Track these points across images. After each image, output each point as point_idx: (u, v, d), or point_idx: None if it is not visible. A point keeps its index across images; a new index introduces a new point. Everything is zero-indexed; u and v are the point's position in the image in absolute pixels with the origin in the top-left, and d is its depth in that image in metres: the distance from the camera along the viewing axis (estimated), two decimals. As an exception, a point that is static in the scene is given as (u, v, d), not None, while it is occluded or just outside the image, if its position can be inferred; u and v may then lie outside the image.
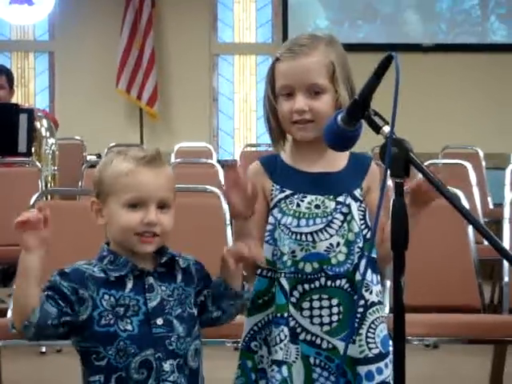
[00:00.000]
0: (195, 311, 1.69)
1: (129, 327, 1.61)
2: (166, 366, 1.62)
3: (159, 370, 1.62)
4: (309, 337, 1.76)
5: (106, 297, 1.62)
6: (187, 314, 1.67)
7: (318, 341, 1.76)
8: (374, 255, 1.79)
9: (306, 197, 1.78)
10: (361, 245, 1.77)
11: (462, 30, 7.51)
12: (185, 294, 1.68)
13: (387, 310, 3.03)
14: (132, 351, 1.61)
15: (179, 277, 1.69)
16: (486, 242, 3.93)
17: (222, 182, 4.72)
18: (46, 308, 1.57)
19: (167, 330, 1.63)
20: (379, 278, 1.83)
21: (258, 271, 1.80)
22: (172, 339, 1.63)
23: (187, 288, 1.69)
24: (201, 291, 1.72)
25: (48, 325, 1.58)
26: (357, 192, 1.80)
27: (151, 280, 1.65)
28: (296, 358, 1.76)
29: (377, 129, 1.49)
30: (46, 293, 1.59)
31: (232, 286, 1.69)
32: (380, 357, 1.77)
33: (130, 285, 1.64)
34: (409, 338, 2.61)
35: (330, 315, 1.76)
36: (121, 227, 1.65)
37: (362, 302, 1.76)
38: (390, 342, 1.81)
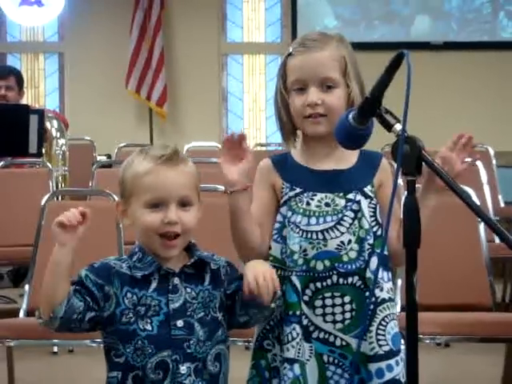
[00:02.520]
0: (219, 315, 1.68)
1: (148, 327, 1.61)
2: (183, 368, 1.62)
3: (175, 372, 1.61)
4: (322, 335, 1.76)
5: (129, 295, 1.62)
6: (210, 317, 1.66)
7: (332, 338, 1.76)
8: (384, 252, 1.78)
9: (315, 195, 1.78)
10: (371, 242, 1.77)
11: (473, 28, 7.49)
12: (210, 297, 1.67)
13: (398, 308, 3.02)
14: (149, 351, 1.61)
15: (207, 279, 1.68)
16: (497, 240, 3.92)
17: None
18: (73, 302, 1.58)
19: (187, 333, 1.63)
20: (390, 275, 1.82)
21: None
22: (191, 342, 1.63)
23: (214, 291, 1.68)
24: (232, 294, 1.69)
25: (73, 319, 1.59)
26: (367, 189, 1.80)
27: (176, 281, 1.65)
28: (310, 357, 1.75)
29: (388, 127, 1.49)
30: (74, 287, 1.60)
31: (258, 299, 1.65)
32: (391, 354, 1.76)
33: (154, 284, 1.64)
34: (420, 336, 2.60)
35: (343, 312, 1.76)
36: (143, 228, 1.65)
37: (372, 299, 1.75)
38: (403, 341, 1.80)
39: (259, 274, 1.61)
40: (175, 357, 1.62)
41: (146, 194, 1.63)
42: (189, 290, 1.65)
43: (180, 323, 1.63)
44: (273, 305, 1.67)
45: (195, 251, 1.69)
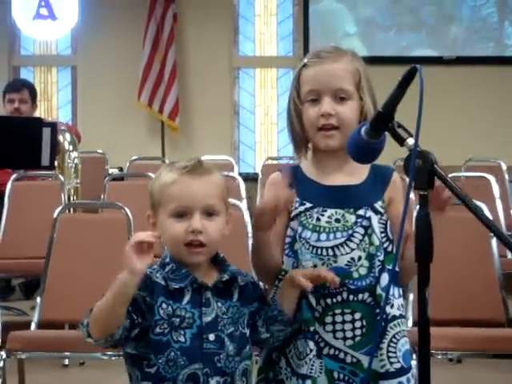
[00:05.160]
0: (247, 331, 1.70)
1: (181, 339, 1.62)
2: (213, 382, 1.63)
3: None
4: (332, 351, 1.75)
5: (164, 306, 1.63)
6: (239, 333, 1.68)
7: (342, 355, 1.75)
8: (395, 268, 1.77)
9: (325, 211, 1.77)
10: (381, 258, 1.76)
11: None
12: (239, 313, 1.69)
13: (410, 323, 3.01)
14: (181, 363, 1.62)
15: (236, 295, 1.70)
16: (510, 255, 3.89)
17: (244, 196, 4.73)
18: (124, 322, 1.57)
19: (217, 347, 1.64)
20: (401, 291, 1.81)
21: (280, 284, 1.80)
22: (221, 356, 1.64)
23: (242, 308, 1.70)
24: (255, 313, 1.72)
25: (123, 338, 1.58)
26: (378, 204, 1.79)
27: (209, 295, 1.66)
28: (320, 373, 1.74)
29: (401, 141, 1.49)
30: None
31: (287, 313, 1.70)
32: (402, 371, 1.75)
33: (187, 297, 1.65)
34: (432, 351, 2.58)
35: (353, 329, 1.75)
36: (169, 238, 1.67)
37: (383, 316, 1.74)
38: (414, 356, 1.79)
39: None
40: (206, 370, 1.63)
41: (171, 204, 1.66)
42: (220, 304, 1.67)
43: (212, 337, 1.64)
44: (296, 325, 1.72)
45: (227, 266, 1.71)
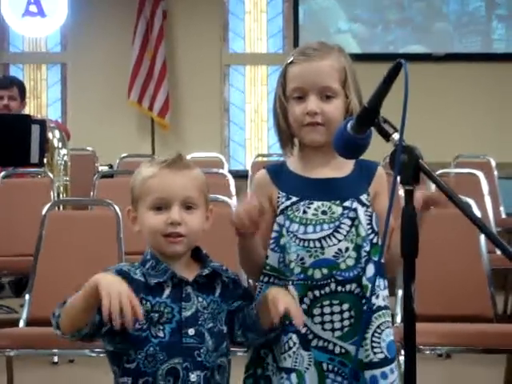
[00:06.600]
0: (225, 328, 1.71)
1: (160, 334, 1.63)
2: (193, 376, 1.64)
3: (185, 380, 1.63)
4: (321, 343, 1.76)
5: (143, 301, 1.63)
6: (217, 329, 1.69)
7: (331, 346, 1.76)
8: (381, 260, 1.77)
9: (312, 203, 1.78)
10: (367, 249, 1.77)
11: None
12: (219, 309, 1.70)
13: (399, 318, 3.02)
14: (161, 358, 1.62)
15: (218, 290, 1.71)
16: (498, 251, 3.91)
17: (233, 193, 4.73)
18: (93, 319, 1.58)
19: (198, 341, 1.65)
20: (386, 282, 1.82)
21: (266, 279, 1.80)
22: (201, 351, 1.65)
23: (222, 304, 1.71)
24: (233, 313, 1.72)
25: (91, 333, 1.60)
26: (363, 197, 1.80)
27: (189, 289, 1.67)
28: (309, 365, 1.75)
29: (386, 136, 1.50)
30: None
31: (263, 326, 1.70)
32: (385, 362, 1.76)
33: (167, 291, 1.66)
34: (421, 347, 2.59)
35: (342, 320, 1.75)
36: (149, 230, 1.68)
37: (367, 307, 1.74)
38: (402, 352, 1.80)
39: (290, 305, 1.64)
40: (186, 364, 1.63)
41: (150, 196, 1.68)
42: (200, 299, 1.68)
43: (191, 331, 1.65)
44: (272, 334, 1.72)
45: (208, 262, 1.72)
